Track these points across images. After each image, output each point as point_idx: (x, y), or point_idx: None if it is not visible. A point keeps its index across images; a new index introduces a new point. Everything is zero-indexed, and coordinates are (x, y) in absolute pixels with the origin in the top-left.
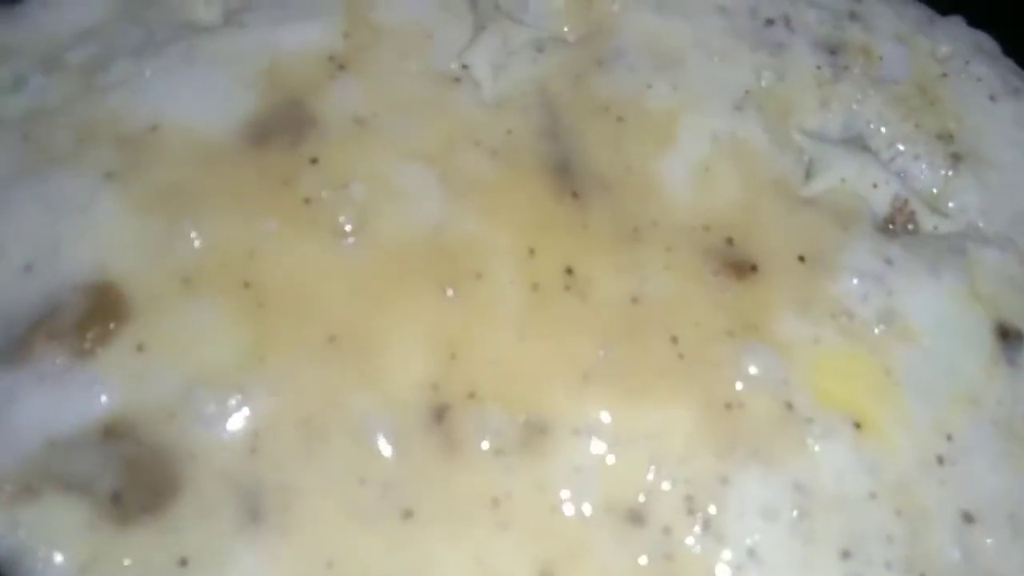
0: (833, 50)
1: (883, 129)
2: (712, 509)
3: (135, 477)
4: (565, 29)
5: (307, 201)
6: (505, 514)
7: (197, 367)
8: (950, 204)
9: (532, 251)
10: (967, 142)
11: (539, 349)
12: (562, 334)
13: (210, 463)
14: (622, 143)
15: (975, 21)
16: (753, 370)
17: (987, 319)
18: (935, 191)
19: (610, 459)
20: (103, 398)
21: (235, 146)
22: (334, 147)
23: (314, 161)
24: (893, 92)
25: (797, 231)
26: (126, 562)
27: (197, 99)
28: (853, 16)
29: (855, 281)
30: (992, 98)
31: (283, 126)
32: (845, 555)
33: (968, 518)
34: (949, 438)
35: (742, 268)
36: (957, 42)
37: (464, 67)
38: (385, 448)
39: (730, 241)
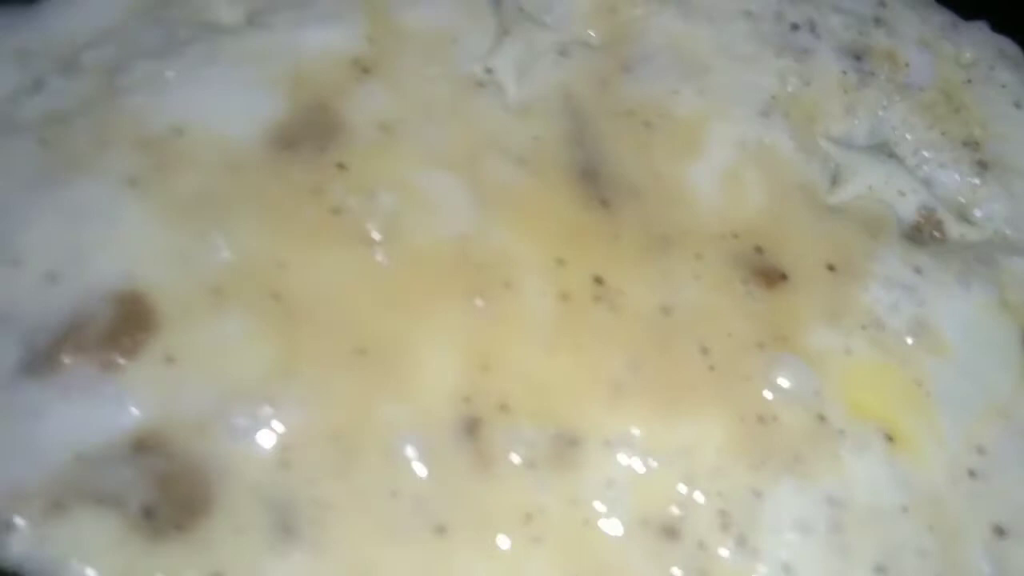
0: (858, 55)
1: (909, 136)
2: (746, 523)
3: (167, 492)
4: (590, 33)
5: (335, 211)
6: (538, 528)
7: (227, 380)
8: (977, 212)
9: (561, 261)
10: (993, 150)
11: (570, 361)
12: (593, 345)
13: (242, 477)
14: (650, 150)
15: (998, 25)
16: (785, 382)
17: (1017, 329)
18: (962, 199)
19: (643, 472)
20: (133, 411)
21: (262, 152)
22: (361, 153)
23: (341, 167)
24: (918, 98)
25: (825, 239)
26: None
27: (221, 102)
28: (878, 21)
29: (885, 291)
30: (1017, 105)
31: (309, 131)
32: (879, 569)
33: (1000, 532)
34: (980, 451)
35: (772, 277)
36: (981, 48)
37: (488, 71)
38: (416, 462)
39: (759, 249)
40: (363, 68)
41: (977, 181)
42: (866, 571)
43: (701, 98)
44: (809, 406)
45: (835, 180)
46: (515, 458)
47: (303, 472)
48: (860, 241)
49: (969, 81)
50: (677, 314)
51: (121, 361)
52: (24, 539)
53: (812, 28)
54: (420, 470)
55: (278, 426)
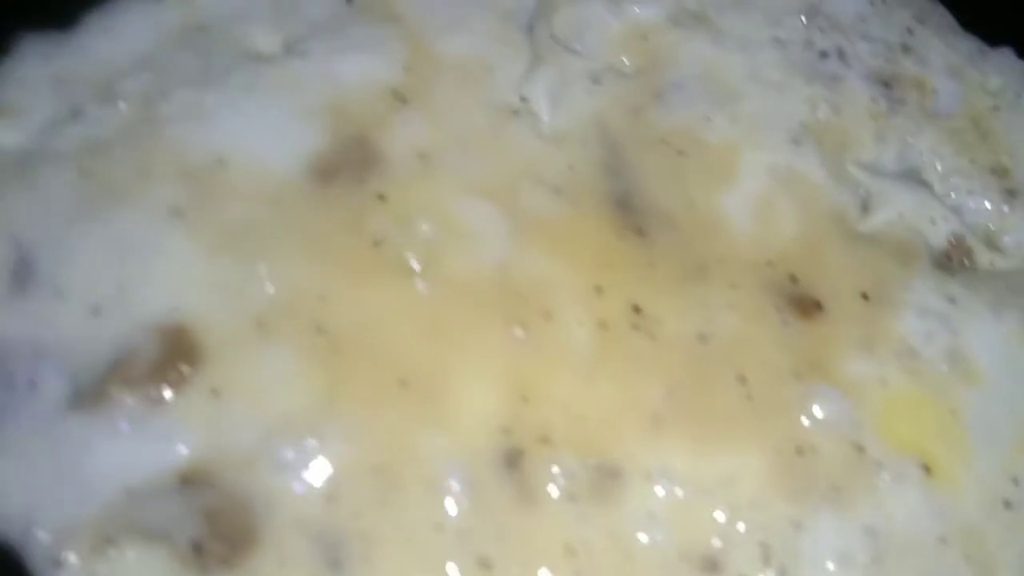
0: (887, 83)
1: (938, 164)
2: (787, 555)
3: (215, 526)
4: (623, 59)
5: (376, 243)
6: (581, 562)
7: (273, 413)
8: (1006, 239)
9: (599, 289)
10: (1021, 178)
11: (609, 391)
12: (632, 375)
13: (289, 511)
14: (684, 178)
15: None
16: (822, 413)
17: None
18: (991, 227)
19: (683, 505)
20: (180, 445)
21: (303, 183)
22: (400, 184)
23: (381, 198)
24: (946, 125)
25: (858, 267)
26: None
27: (262, 133)
28: (906, 48)
29: (919, 320)
30: None
31: (349, 162)
32: None
33: None
34: (1015, 481)
35: (807, 306)
36: (1007, 75)
37: (523, 100)
38: (459, 495)
39: (793, 278)
40: (401, 98)
41: (1006, 208)
42: None
43: (733, 125)
44: (847, 437)
45: (865, 207)
46: (557, 491)
47: (348, 505)
48: (892, 269)
49: (996, 108)
50: (714, 343)
51: (168, 395)
52: (74, 575)
53: (841, 56)
54: (463, 503)
55: (323, 459)
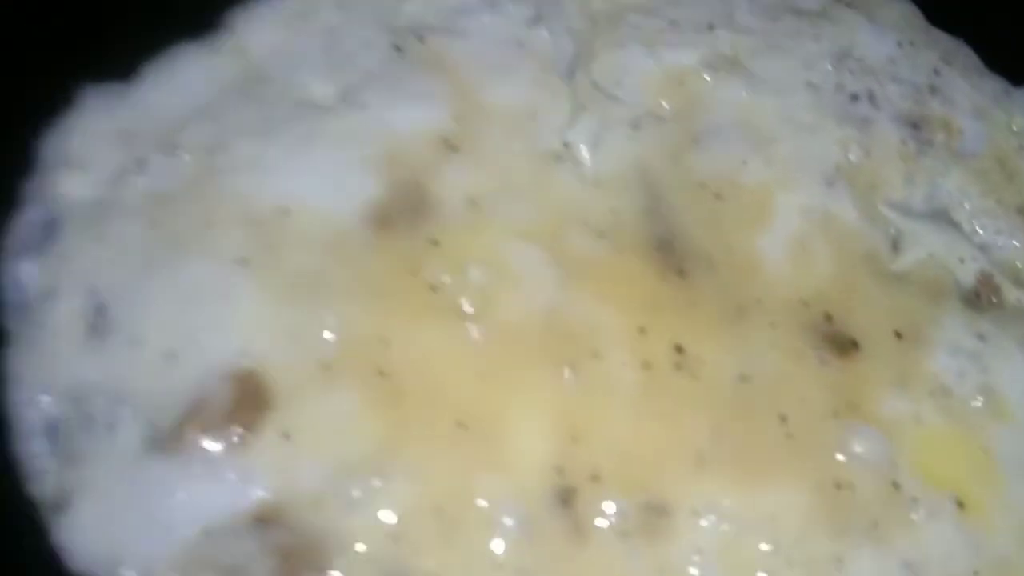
0: (916, 124)
1: (966, 204)
2: None
3: (288, 564)
4: (662, 103)
5: (432, 288)
6: None
7: (340, 455)
8: None
9: (643, 330)
10: None
11: (655, 430)
12: (676, 414)
13: (358, 550)
14: (721, 221)
15: None
16: (859, 450)
17: None
18: (1019, 264)
19: (730, 540)
20: (254, 486)
21: (362, 230)
22: (452, 229)
23: (435, 243)
24: (973, 166)
25: (891, 306)
26: None
27: (323, 182)
28: (933, 90)
29: (951, 358)
30: None
31: (404, 209)
32: None
33: None
34: None
35: (843, 344)
36: None
37: (566, 145)
38: (515, 533)
39: (828, 317)
40: (451, 146)
41: None
42: None
43: (768, 168)
44: (884, 474)
45: (896, 247)
46: (608, 527)
47: (412, 543)
48: (924, 308)
49: (1021, 148)
50: (755, 382)
51: (242, 438)
52: None
53: (871, 98)
54: (519, 541)
55: (389, 499)
